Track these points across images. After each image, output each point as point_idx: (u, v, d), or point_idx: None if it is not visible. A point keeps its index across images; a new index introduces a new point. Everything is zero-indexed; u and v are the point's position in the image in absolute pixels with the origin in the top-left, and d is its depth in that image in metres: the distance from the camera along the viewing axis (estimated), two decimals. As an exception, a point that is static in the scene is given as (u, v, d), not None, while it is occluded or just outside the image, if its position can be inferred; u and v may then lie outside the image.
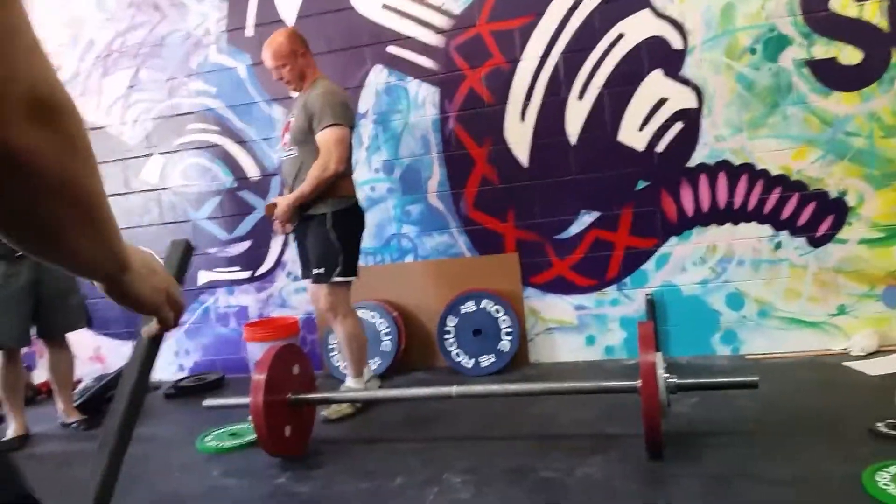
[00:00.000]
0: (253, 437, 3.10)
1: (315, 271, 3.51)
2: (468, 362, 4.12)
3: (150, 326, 0.98)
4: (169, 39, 4.58)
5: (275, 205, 3.53)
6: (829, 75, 3.64)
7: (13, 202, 0.57)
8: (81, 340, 4.55)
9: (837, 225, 3.72)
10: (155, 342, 1.05)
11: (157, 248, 3.89)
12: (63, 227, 0.62)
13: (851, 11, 3.58)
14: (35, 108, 0.54)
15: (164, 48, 4.60)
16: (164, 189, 4.71)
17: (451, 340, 4.16)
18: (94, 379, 4.35)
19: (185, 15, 4.53)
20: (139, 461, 3.17)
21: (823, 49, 3.64)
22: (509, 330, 4.07)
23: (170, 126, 4.66)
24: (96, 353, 4.93)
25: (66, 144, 0.58)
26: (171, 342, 4.76)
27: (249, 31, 4.44)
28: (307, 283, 3.78)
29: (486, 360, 4.09)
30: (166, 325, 0.94)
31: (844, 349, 3.68)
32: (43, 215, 0.59)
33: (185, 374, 4.76)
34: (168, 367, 4.76)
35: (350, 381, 3.64)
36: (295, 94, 3.69)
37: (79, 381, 4.35)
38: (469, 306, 4.15)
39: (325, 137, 3.41)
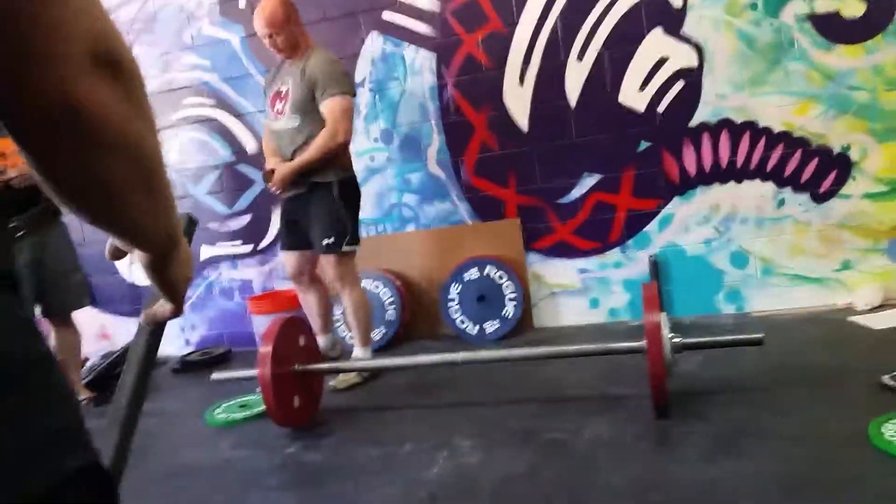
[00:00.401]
0: (262, 408, 3.11)
1: (325, 241, 3.48)
2: (473, 329, 4.12)
3: (162, 308, 0.95)
4: (161, 14, 4.53)
5: (272, 171, 3.49)
6: (832, 29, 3.59)
7: (75, 162, 0.56)
8: (87, 319, 4.56)
9: (841, 180, 3.69)
10: (160, 324, 1.04)
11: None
12: (124, 190, 0.60)
13: (854, -38, 3.53)
14: (98, 61, 0.53)
15: (157, 23, 4.55)
16: (162, 165, 4.68)
17: (456, 308, 4.16)
18: (100, 357, 4.38)
19: (176, -13, 4.47)
20: (149, 436, 3.18)
21: (826, 2, 3.58)
22: (513, 296, 4.07)
23: (166, 101, 4.62)
24: (102, 331, 4.95)
25: (130, 99, 0.57)
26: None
27: (241, 2, 4.39)
28: (287, 254, 3.70)
29: (491, 327, 4.09)
30: (177, 313, 0.92)
31: (849, 304, 3.68)
32: (105, 176, 0.58)
33: (191, 348, 4.78)
34: (174, 342, 4.78)
35: (358, 351, 3.65)
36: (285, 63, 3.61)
37: (86, 360, 4.37)
38: (472, 273, 4.14)
39: (333, 107, 3.38)
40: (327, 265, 3.56)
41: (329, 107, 3.38)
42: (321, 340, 3.80)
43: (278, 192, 3.54)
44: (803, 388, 2.74)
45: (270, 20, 3.40)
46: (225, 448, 3.04)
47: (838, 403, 2.56)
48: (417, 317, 4.33)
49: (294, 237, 3.64)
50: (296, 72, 3.46)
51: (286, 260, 3.76)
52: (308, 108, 3.42)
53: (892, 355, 2.84)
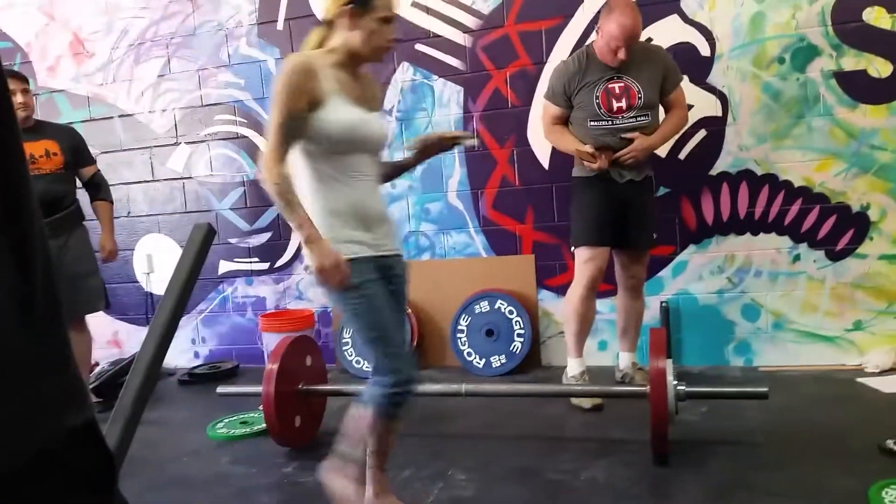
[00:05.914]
0: (263, 425, 3.13)
1: (651, 238, 3.51)
2: (479, 362, 4.13)
3: None
4: (201, 30, 4.64)
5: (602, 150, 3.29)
6: (857, 87, 3.60)
7: None
8: (99, 324, 4.63)
9: (858, 239, 3.67)
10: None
11: (179, 237, 4.03)
12: None
13: (884, 23, 3.54)
14: None
15: (196, 39, 4.66)
16: (189, 178, 4.77)
17: (464, 339, 4.17)
18: (109, 363, 4.41)
19: (217, 6, 4.58)
20: (150, 444, 3.21)
21: (853, 61, 3.60)
22: (522, 332, 4.07)
23: (198, 116, 4.72)
24: (114, 338, 5.00)
25: None
26: (188, 329, 4.82)
27: (280, 24, 4.48)
28: (599, 250, 3.35)
29: (498, 361, 4.09)
30: None
31: (859, 365, 3.64)
32: None
33: (200, 361, 4.82)
34: (183, 354, 4.82)
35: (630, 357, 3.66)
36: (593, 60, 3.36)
37: (95, 365, 4.42)
38: (483, 306, 4.15)
39: (681, 94, 3.43)
40: (641, 264, 3.54)
41: (680, 94, 3.42)
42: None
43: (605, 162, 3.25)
44: (805, 447, 2.71)
45: (637, 34, 3.24)
46: (223, 462, 3.06)
47: (838, 464, 2.53)
48: (426, 345, 4.34)
49: (611, 230, 3.36)
50: (635, 69, 3.27)
51: (597, 256, 3.37)
52: (656, 102, 3.37)
53: (897, 420, 2.81)
